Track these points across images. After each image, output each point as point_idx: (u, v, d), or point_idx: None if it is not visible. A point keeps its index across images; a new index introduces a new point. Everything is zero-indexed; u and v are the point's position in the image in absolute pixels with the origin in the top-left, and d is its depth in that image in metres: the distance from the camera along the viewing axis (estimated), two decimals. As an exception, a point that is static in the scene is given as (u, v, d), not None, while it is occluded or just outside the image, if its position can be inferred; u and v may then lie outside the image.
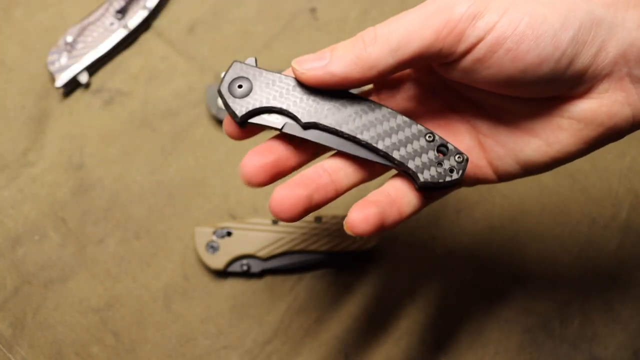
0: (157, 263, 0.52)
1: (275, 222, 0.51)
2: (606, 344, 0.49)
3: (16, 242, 0.52)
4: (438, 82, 0.35)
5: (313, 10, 0.62)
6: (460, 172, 0.32)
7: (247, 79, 0.32)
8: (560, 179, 0.55)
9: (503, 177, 0.34)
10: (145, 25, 0.60)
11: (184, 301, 0.51)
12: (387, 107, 0.32)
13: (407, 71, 0.35)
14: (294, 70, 0.31)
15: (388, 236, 0.53)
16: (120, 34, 0.59)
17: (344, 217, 0.51)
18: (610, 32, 0.29)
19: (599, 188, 0.55)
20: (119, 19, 0.59)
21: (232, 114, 0.32)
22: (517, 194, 0.54)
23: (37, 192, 0.54)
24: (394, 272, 0.52)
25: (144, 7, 0.60)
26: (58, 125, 0.56)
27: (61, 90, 0.58)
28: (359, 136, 0.32)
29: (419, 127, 0.32)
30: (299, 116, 0.32)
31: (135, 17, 0.59)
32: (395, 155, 0.32)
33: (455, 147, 0.32)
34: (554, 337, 0.50)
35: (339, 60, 0.30)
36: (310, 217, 0.51)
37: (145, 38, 0.60)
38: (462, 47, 0.29)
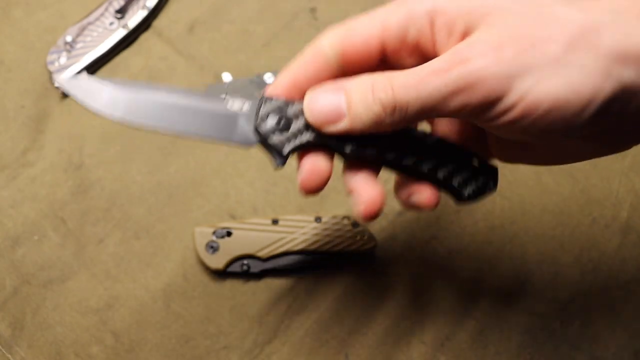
0: (157, 263, 0.52)
1: (275, 222, 0.51)
2: (607, 345, 0.49)
3: (15, 242, 0.52)
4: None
5: (313, 10, 0.62)
6: (496, 182, 0.33)
7: (283, 114, 0.32)
8: (561, 179, 0.55)
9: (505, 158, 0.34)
10: (145, 25, 0.60)
11: (184, 301, 0.50)
12: (422, 130, 0.33)
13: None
14: (315, 127, 0.31)
15: (388, 236, 0.53)
16: (119, 33, 0.59)
17: (344, 217, 0.51)
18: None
19: (599, 188, 0.54)
20: (119, 19, 0.59)
21: (276, 152, 0.32)
22: (518, 194, 0.54)
23: (37, 192, 0.54)
24: (394, 272, 0.52)
25: (144, 7, 0.60)
26: (57, 125, 0.56)
27: (60, 90, 0.58)
28: (403, 162, 0.32)
29: (454, 145, 0.33)
30: (346, 150, 0.32)
31: (135, 17, 0.59)
32: (440, 175, 0.33)
33: (485, 160, 0.34)
34: (555, 338, 0.50)
35: (359, 120, 0.30)
36: (310, 217, 0.51)
37: (145, 38, 0.60)
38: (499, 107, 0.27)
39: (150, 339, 0.49)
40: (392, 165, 0.33)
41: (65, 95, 0.58)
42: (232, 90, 0.57)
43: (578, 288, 0.51)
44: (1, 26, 0.60)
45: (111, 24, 0.59)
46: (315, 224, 0.51)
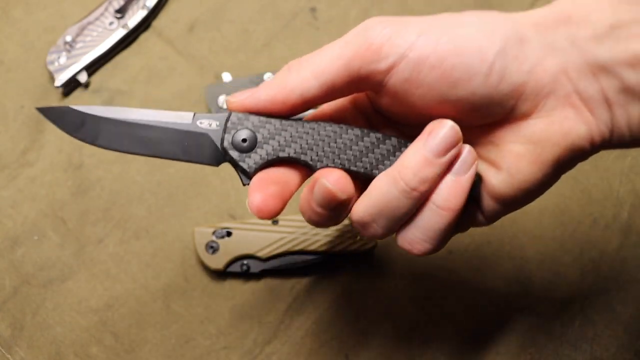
0: (156, 263, 0.52)
1: (275, 222, 0.51)
2: (607, 345, 0.49)
3: (15, 242, 0.52)
4: (389, 128, 0.35)
5: (313, 10, 0.62)
6: (477, 190, 0.32)
7: (249, 129, 0.32)
8: (561, 179, 0.55)
9: (489, 217, 0.33)
10: (144, 25, 0.60)
11: (184, 301, 0.50)
12: (396, 137, 0.32)
13: (352, 113, 0.35)
14: (228, 104, 0.32)
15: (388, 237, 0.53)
16: (119, 33, 0.59)
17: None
18: (543, 50, 0.29)
19: (600, 188, 0.54)
20: (119, 19, 0.59)
21: (242, 171, 0.32)
22: (518, 194, 0.54)
23: (37, 192, 0.54)
24: (393, 272, 0.52)
25: (144, 7, 0.60)
26: (57, 125, 0.56)
27: (60, 90, 0.58)
28: (374, 172, 0.32)
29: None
30: (311, 163, 0.32)
31: (135, 17, 0.59)
32: None
33: None
34: (555, 338, 0.50)
35: (265, 86, 0.31)
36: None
37: (145, 37, 0.60)
38: (382, 65, 0.29)
39: (150, 339, 0.49)
40: (363, 176, 0.32)
41: (65, 95, 0.58)
42: (232, 90, 0.57)
43: (578, 288, 0.51)
44: (1, 26, 0.60)
45: (111, 23, 0.59)
46: (315, 224, 0.51)
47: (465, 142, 0.31)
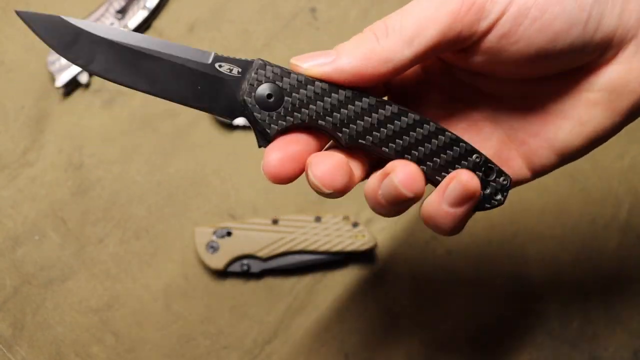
0: (157, 263, 0.52)
1: (275, 222, 0.51)
2: (606, 344, 0.49)
3: (16, 242, 0.52)
4: (454, 82, 0.32)
5: (313, 10, 0.62)
6: (505, 194, 0.30)
7: (276, 85, 0.27)
8: (560, 178, 0.55)
9: (538, 171, 0.31)
10: (145, 25, 0.60)
11: (184, 301, 0.51)
12: (435, 122, 0.29)
13: (418, 74, 0.33)
14: (294, 68, 0.28)
15: (388, 236, 0.53)
16: (120, 33, 0.59)
17: (344, 217, 0.51)
18: None
19: (599, 188, 0.55)
20: (119, 19, 0.59)
21: (260, 130, 0.27)
22: (517, 194, 0.54)
23: (37, 192, 0.54)
24: (394, 272, 0.52)
25: (144, 7, 0.60)
26: (58, 125, 0.56)
27: (61, 90, 0.58)
28: (405, 157, 0.29)
29: (467, 145, 0.29)
30: (341, 135, 0.28)
31: (135, 17, 0.59)
32: (442, 177, 0.29)
33: (499, 168, 0.30)
34: (554, 337, 0.50)
35: (349, 54, 0.27)
36: (310, 217, 0.51)
37: (145, 38, 0.60)
38: (484, 24, 0.27)
39: (150, 338, 0.49)
40: (394, 158, 0.29)
41: (65, 95, 0.58)
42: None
43: (577, 288, 0.51)
44: (2, 26, 0.60)
45: (111, 24, 0.59)
46: (315, 224, 0.51)
47: (531, 93, 0.30)
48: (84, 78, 0.57)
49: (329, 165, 0.27)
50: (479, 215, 0.53)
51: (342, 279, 0.51)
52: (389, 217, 0.30)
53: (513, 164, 0.31)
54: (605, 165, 0.55)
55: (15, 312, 0.50)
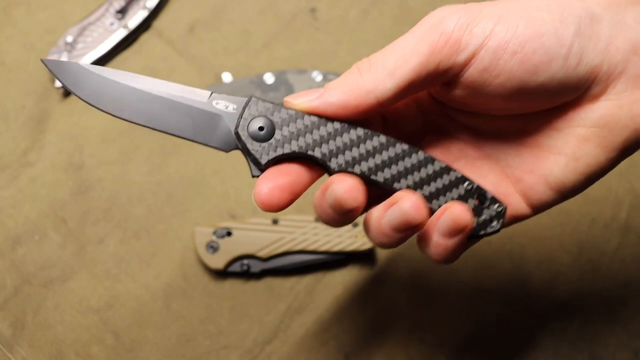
0: (157, 263, 0.52)
1: (275, 222, 0.51)
2: (606, 344, 0.49)
3: (16, 242, 0.52)
4: (448, 121, 0.34)
5: (313, 10, 0.62)
6: (501, 221, 0.30)
7: (268, 119, 0.29)
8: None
9: (538, 207, 0.32)
10: (145, 25, 0.60)
11: (184, 301, 0.51)
12: (423, 151, 0.30)
13: (416, 115, 0.34)
14: (287, 105, 0.30)
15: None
16: (120, 34, 0.59)
17: (343, 217, 0.51)
18: (615, 28, 0.28)
19: (598, 188, 0.54)
20: (119, 19, 0.59)
21: (253, 160, 0.30)
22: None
23: (37, 192, 0.54)
24: (393, 272, 0.52)
25: (144, 7, 0.60)
26: (58, 125, 0.56)
27: (61, 91, 0.58)
28: (395, 185, 0.30)
29: (457, 173, 0.30)
30: (330, 166, 0.30)
31: (136, 17, 0.59)
32: (434, 205, 0.30)
33: (493, 196, 0.30)
34: (554, 337, 0.50)
35: (336, 88, 0.29)
36: (310, 217, 0.51)
37: (145, 38, 0.60)
38: (461, 57, 0.28)
39: (150, 338, 0.49)
40: (383, 186, 0.30)
41: (65, 95, 0.58)
42: (232, 90, 0.57)
43: (577, 288, 0.51)
44: (2, 27, 0.60)
45: (112, 24, 0.59)
46: (315, 224, 0.51)
47: (524, 129, 0.31)
48: (84, 78, 0.57)
49: (349, 184, 0.28)
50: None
51: (342, 279, 0.51)
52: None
53: (512, 200, 0.32)
54: (605, 165, 0.55)
55: (16, 312, 0.50)
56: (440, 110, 0.33)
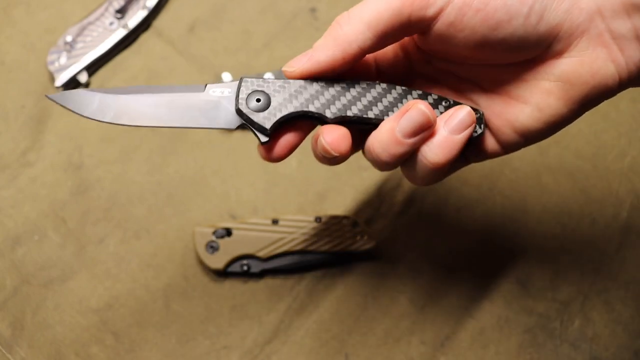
0: (157, 263, 0.52)
1: (275, 222, 0.51)
2: (607, 345, 0.49)
3: (16, 242, 0.52)
4: (432, 68, 0.37)
5: (313, 10, 0.62)
6: (482, 125, 0.34)
7: (262, 91, 0.33)
8: (561, 178, 0.55)
9: (507, 147, 0.35)
10: (145, 25, 0.60)
11: (184, 301, 0.51)
12: (400, 86, 0.34)
13: (404, 64, 0.37)
14: (286, 74, 0.33)
15: (388, 236, 0.53)
16: (120, 33, 0.59)
17: (344, 217, 0.51)
18: None
19: (599, 188, 0.54)
20: (119, 19, 0.59)
21: (259, 129, 0.33)
22: (518, 193, 0.54)
23: (37, 192, 0.54)
24: (394, 272, 0.52)
25: (144, 7, 0.60)
26: (58, 125, 0.56)
27: (61, 90, 0.58)
28: (385, 118, 0.34)
29: (435, 95, 0.34)
30: (326, 115, 0.33)
31: (135, 17, 0.59)
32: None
33: (471, 105, 0.34)
34: (555, 338, 0.50)
35: (320, 47, 0.33)
36: (310, 217, 0.51)
37: (145, 38, 0.60)
38: (430, 11, 0.31)
39: (150, 338, 0.49)
40: (376, 123, 0.34)
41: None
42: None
43: (578, 288, 0.51)
44: (2, 27, 0.60)
45: (111, 24, 0.59)
46: (315, 224, 0.51)
47: (496, 79, 0.34)
48: (83, 78, 0.57)
49: (337, 134, 0.33)
50: (479, 214, 0.53)
51: (342, 279, 0.51)
52: (395, 162, 0.34)
53: (486, 138, 0.36)
54: (606, 165, 0.55)
55: (15, 312, 0.50)
56: (424, 58, 0.37)
